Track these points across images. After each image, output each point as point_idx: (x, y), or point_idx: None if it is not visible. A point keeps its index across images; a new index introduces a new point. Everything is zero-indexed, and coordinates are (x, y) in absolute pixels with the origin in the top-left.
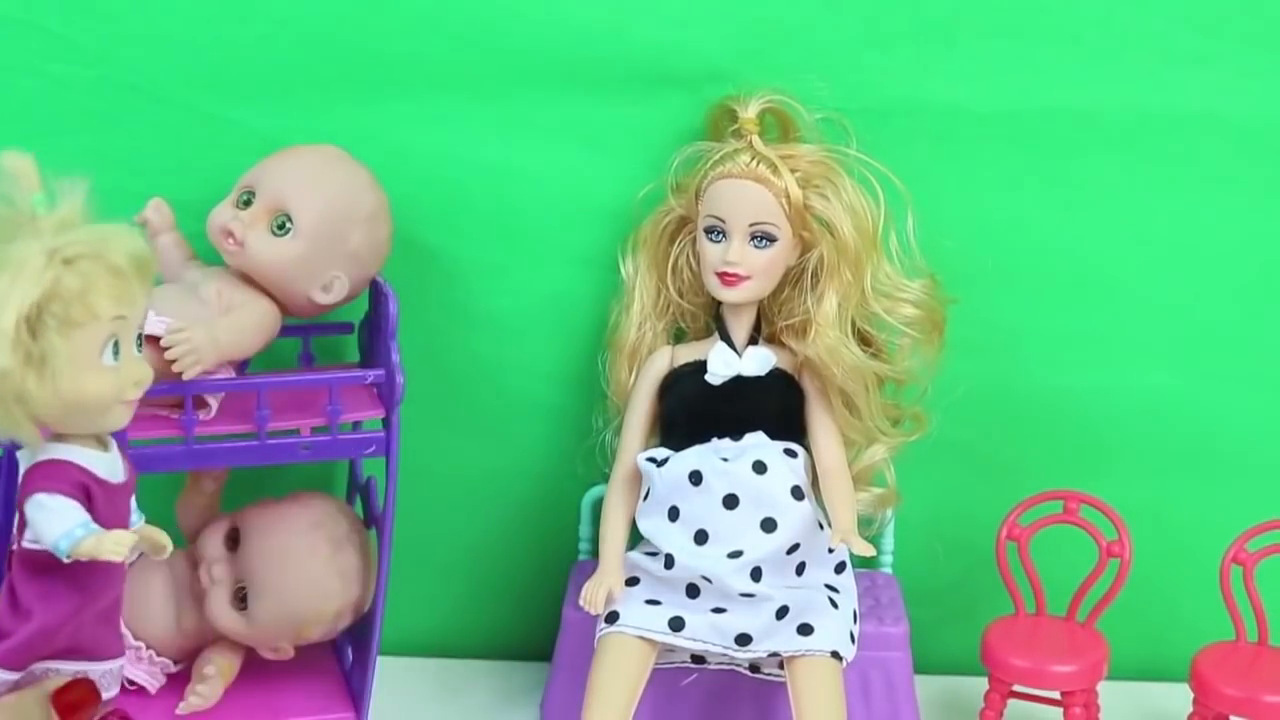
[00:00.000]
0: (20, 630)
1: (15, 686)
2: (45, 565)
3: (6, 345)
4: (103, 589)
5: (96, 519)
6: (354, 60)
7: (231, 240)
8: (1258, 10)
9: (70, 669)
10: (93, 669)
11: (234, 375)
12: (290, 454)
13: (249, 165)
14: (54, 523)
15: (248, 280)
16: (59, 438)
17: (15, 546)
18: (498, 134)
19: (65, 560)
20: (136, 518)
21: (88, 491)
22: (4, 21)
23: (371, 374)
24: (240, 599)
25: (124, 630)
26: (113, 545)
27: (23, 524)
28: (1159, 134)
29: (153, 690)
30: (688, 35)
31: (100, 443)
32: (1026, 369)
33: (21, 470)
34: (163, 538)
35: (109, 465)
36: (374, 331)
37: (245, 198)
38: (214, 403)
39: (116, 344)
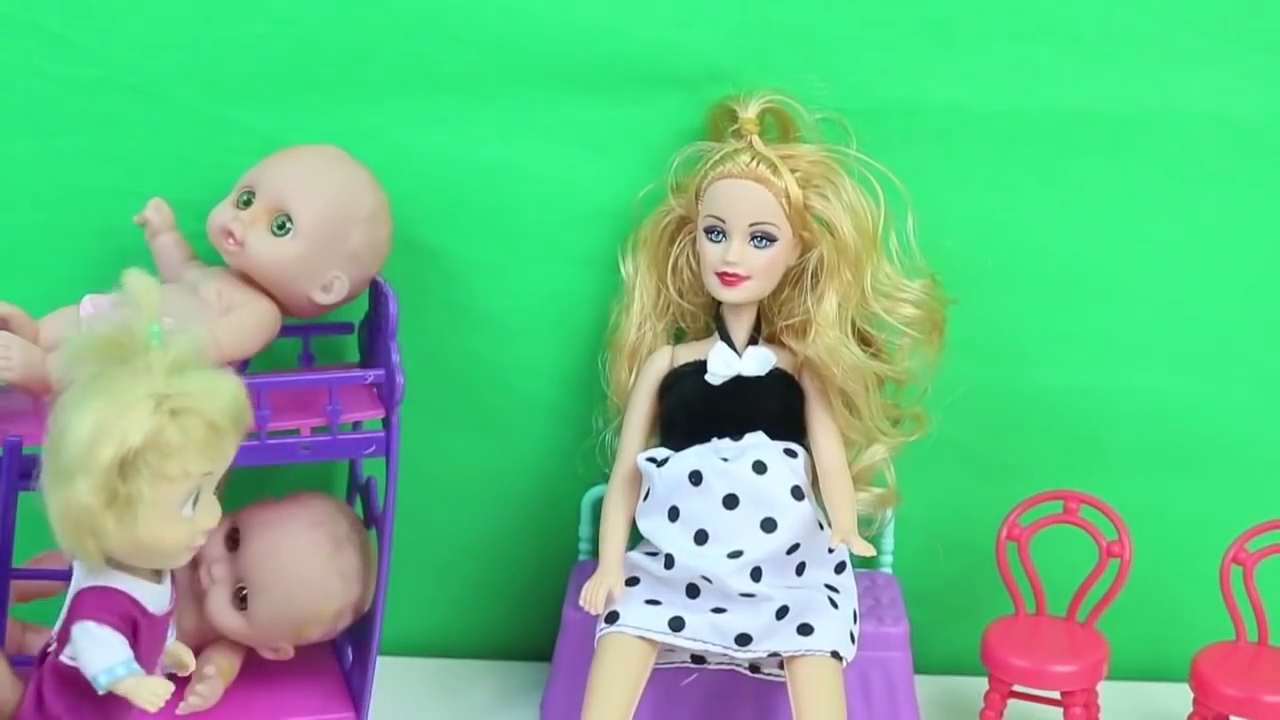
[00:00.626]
0: None
1: None
2: (77, 682)
3: (96, 482)
4: (127, 712)
5: (136, 650)
6: (354, 60)
7: (231, 240)
8: (1258, 10)
9: None
10: None
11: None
12: (290, 454)
13: (249, 165)
14: (98, 655)
15: (248, 280)
16: (119, 565)
17: (50, 654)
18: (498, 134)
19: (100, 692)
20: (169, 637)
21: (135, 625)
22: (4, 21)
23: (371, 374)
24: (240, 599)
25: None
26: (149, 695)
27: (64, 638)
28: (1159, 134)
29: None
30: (688, 35)
31: (157, 574)
32: (1026, 369)
33: (76, 586)
34: (188, 658)
35: (158, 597)
36: (374, 331)
37: (245, 198)
38: None
39: (198, 495)
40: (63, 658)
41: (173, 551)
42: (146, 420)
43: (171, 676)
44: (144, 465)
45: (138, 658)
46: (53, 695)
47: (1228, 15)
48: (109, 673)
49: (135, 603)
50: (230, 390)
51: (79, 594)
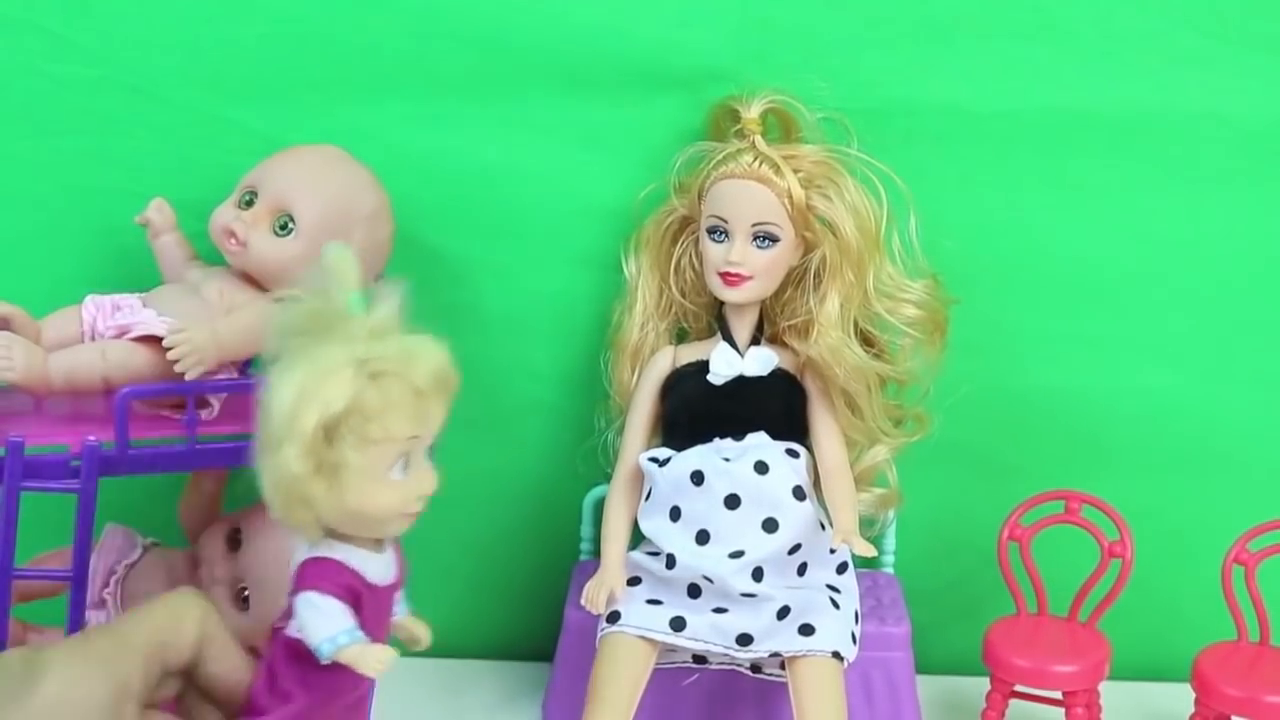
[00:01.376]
0: (277, 711)
1: None
2: (306, 655)
3: (302, 450)
4: (356, 684)
5: (361, 621)
6: (354, 60)
7: (234, 240)
8: (1258, 10)
9: None
10: None
11: (236, 375)
12: None
13: (249, 165)
14: (320, 624)
15: (250, 280)
16: (338, 536)
17: (279, 630)
18: (498, 134)
19: (323, 662)
20: (400, 609)
21: (357, 595)
22: (4, 21)
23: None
24: (242, 599)
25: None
26: (374, 662)
27: (289, 611)
28: (1159, 134)
29: None
30: (688, 35)
31: (377, 544)
32: (1027, 369)
33: (298, 559)
34: (422, 633)
35: (381, 567)
36: None
37: (247, 198)
38: (216, 403)
39: (407, 459)
40: (289, 631)
41: (384, 517)
42: (347, 385)
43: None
44: (347, 430)
45: (362, 627)
46: (283, 669)
47: (1228, 15)
48: (331, 641)
49: (355, 573)
50: (432, 353)
51: (300, 566)
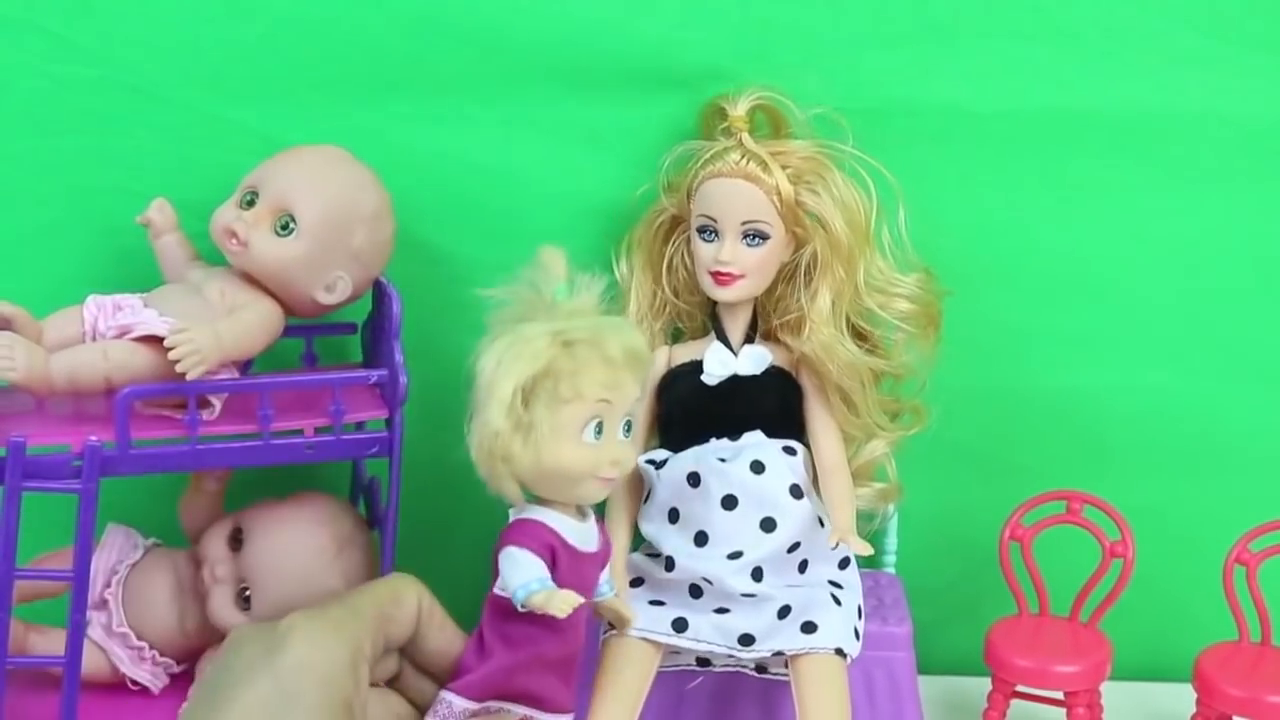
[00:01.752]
0: (481, 667)
1: (472, 717)
2: (510, 612)
3: (502, 410)
4: (559, 642)
5: (558, 580)
6: (354, 60)
7: (235, 240)
8: (1258, 10)
9: (520, 711)
10: (539, 716)
11: (237, 375)
12: (294, 454)
13: (250, 165)
14: (517, 574)
15: (251, 280)
16: (541, 501)
17: (490, 593)
18: (498, 134)
19: (520, 609)
20: (606, 588)
21: (554, 553)
22: (4, 21)
23: (375, 374)
24: (244, 599)
25: (144, 638)
26: (560, 602)
27: (496, 573)
28: (1159, 134)
29: (156, 690)
30: (688, 35)
31: (579, 512)
32: (1028, 369)
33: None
34: (627, 612)
35: (581, 534)
36: (377, 332)
37: (248, 198)
38: (217, 403)
39: (600, 425)
40: (495, 590)
41: (575, 475)
42: (542, 351)
43: (175, 677)
44: (542, 390)
45: (559, 582)
46: (489, 627)
47: (1228, 15)
48: (524, 587)
49: (554, 533)
50: (622, 329)
51: (506, 528)
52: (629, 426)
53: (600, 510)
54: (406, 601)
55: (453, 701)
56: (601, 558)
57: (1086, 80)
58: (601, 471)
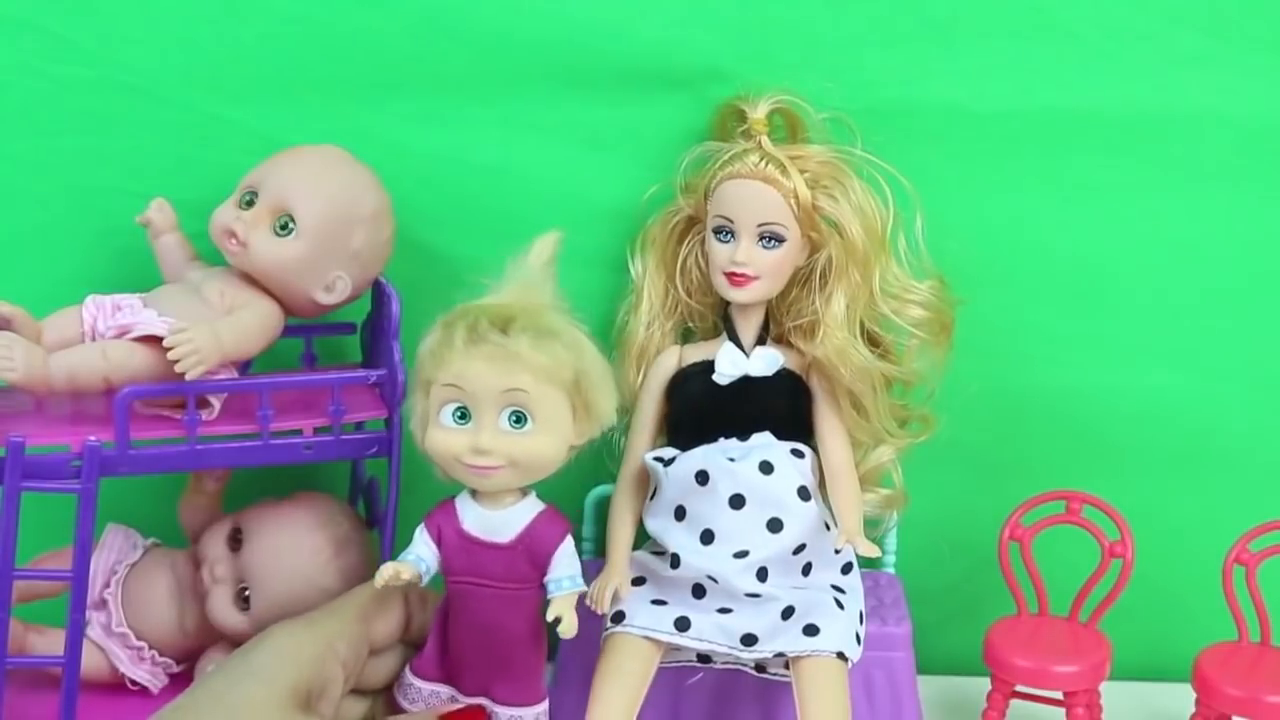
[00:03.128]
0: (427, 641)
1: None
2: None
3: (410, 394)
4: (460, 623)
5: (446, 561)
6: (354, 60)
7: (234, 240)
8: (1258, 10)
9: (467, 701)
10: (494, 708)
11: (236, 375)
12: (293, 454)
13: (249, 165)
14: (408, 547)
15: (250, 281)
16: (471, 490)
17: None
18: (498, 134)
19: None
20: (553, 587)
21: (439, 532)
22: (4, 21)
23: (374, 374)
24: (243, 599)
25: (146, 637)
26: (377, 576)
27: None
28: (1159, 134)
29: (155, 690)
30: (688, 34)
31: (494, 498)
32: (1028, 369)
33: None
34: (569, 618)
35: (488, 522)
36: (376, 332)
37: (248, 198)
38: (216, 403)
39: (463, 410)
40: None
41: (440, 459)
42: (431, 336)
43: (174, 677)
44: (420, 374)
45: (447, 565)
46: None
47: (1228, 15)
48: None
49: (452, 515)
50: (483, 313)
51: None
52: (518, 418)
53: (603, 509)
54: (391, 600)
55: (406, 674)
56: (521, 550)
57: (1086, 80)
58: (464, 457)
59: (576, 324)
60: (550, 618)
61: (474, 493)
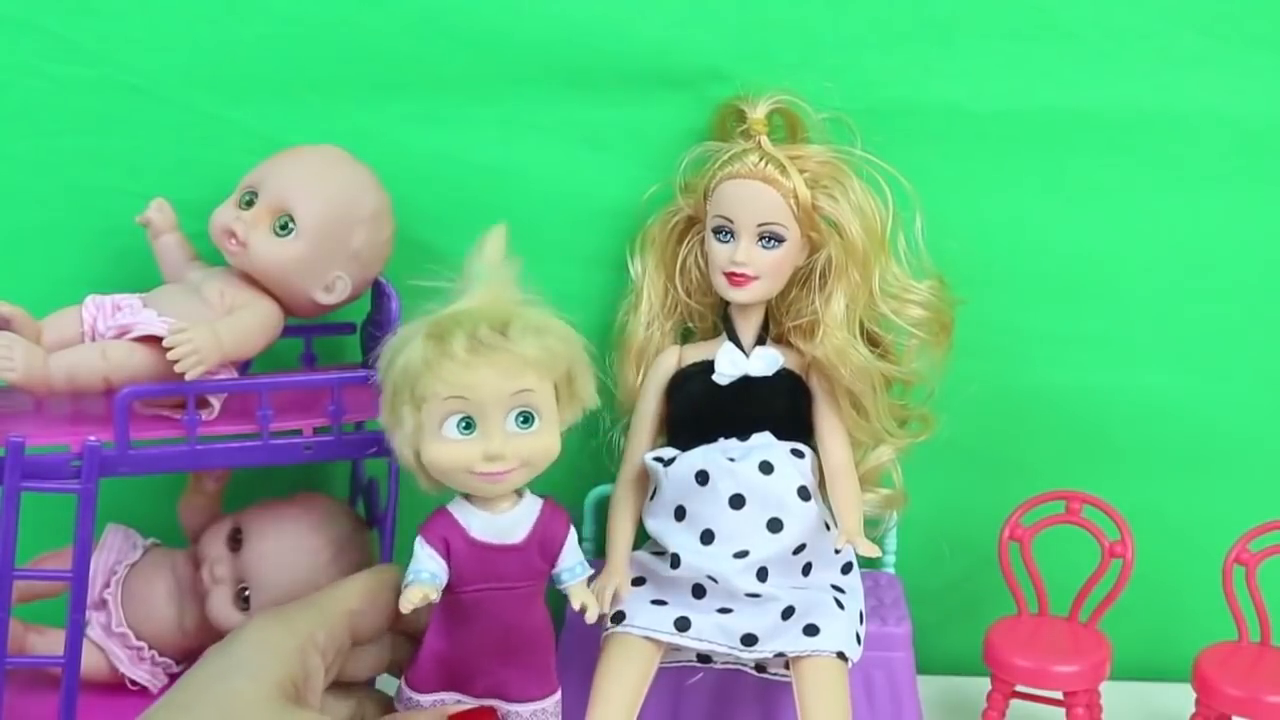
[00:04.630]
0: (419, 655)
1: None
2: (442, 601)
3: (385, 408)
4: (475, 629)
5: (457, 571)
6: (354, 60)
7: (234, 241)
8: (1258, 10)
9: (475, 702)
10: (503, 705)
11: (236, 375)
12: (293, 454)
13: (249, 165)
14: (410, 565)
15: (250, 281)
16: (467, 496)
17: None
18: (498, 134)
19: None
20: (567, 575)
21: (448, 544)
22: (4, 21)
23: (374, 374)
24: (243, 599)
25: (144, 637)
26: (403, 600)
27: None
28: (1159, 134)
29: (155, 690)
30: (688, 34)
31: (494, 501)
32: (1027, 369)
33: None
34: (591, 601)
35: (495, 526)
36: (376, 331)
37: (247, 198)
38: (216, 403)
39: (468, 421)
40: None
41: (446, 471)
42: (410, 348)
43: (174, 676)
44: (404, 389)
45: (459, 575)
46: (432, 617)
47: (1228, 15)
48: (405, 580)
49: (456, 524)
50: (478, 319)
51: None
52: (525, 418)
53: (602, 509)
54: (378, 595)
55: (403, 690)
56: (534, 547)
57: (1086, 80)
58: (475, 467)
59: (556, 312)
60: (577, 607)
61: (469, 498)
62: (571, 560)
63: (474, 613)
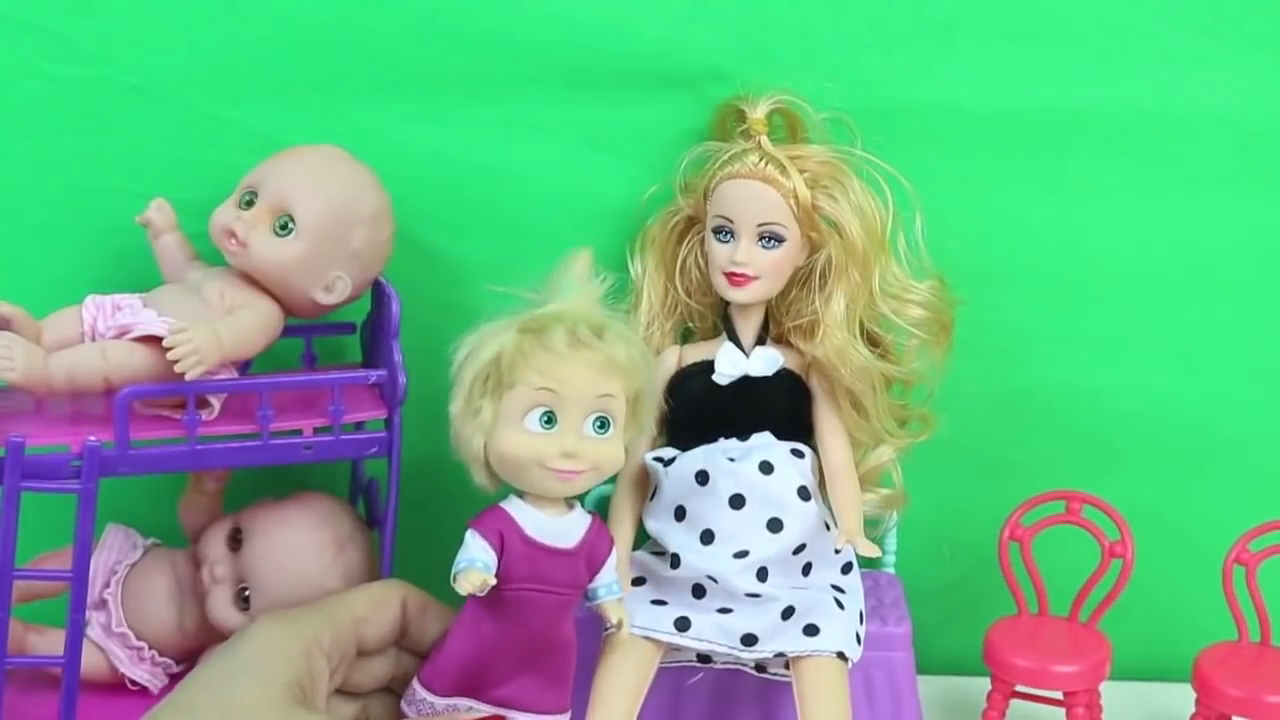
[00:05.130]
0: (439, 654)
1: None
2: (471, 600)
3: (461, 395)
4: (510, 633)
5: (506, 567)
6: (354, 60)
7: (234, 240)
8: (1258, 10)
9: (488, 710)
10: (514, 715)
11: (236, 375)
12: (293, 454)
13: (249, 165)
14: (461, 553)
15: (250, 281)
16: (520, 494)
17: None
18: (498, 134)
19: (452, 584)
20: (604, 592)
21: (503, 539)
22: (4, 21)
23: (374, 374)
24: (243, 599)
25: (145, 638)
26: (464, 582)
27: None
28: (1159, 134)
29: (155, 690)
30: (689, 34)
31: (556, 505)
32: (1027, 369)
33: None
34: (623, 620)
35: (551, 528)
36: (376, 332)
37: (247, 198)
38: (216, 403)
39: (550, 415)
40: None
41: (519, 462)
42: (501, 340)
43: (174, 677)
44: (492, 378)
45: (509, 573)
46: (458, 616)
47: (1228, 15)
48: (456, 564)
49: (511, 521)
50: (578, 318)
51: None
52: (602, 423)
53: (602, 509)
54: (386, 606)
55: (417, 689)
56: (583, 556)
57: (1086, 80)
58: (550, 462)
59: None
60: (614, 621)
61: (524, 497)
62: (609, 578)
63: (511, 612)
